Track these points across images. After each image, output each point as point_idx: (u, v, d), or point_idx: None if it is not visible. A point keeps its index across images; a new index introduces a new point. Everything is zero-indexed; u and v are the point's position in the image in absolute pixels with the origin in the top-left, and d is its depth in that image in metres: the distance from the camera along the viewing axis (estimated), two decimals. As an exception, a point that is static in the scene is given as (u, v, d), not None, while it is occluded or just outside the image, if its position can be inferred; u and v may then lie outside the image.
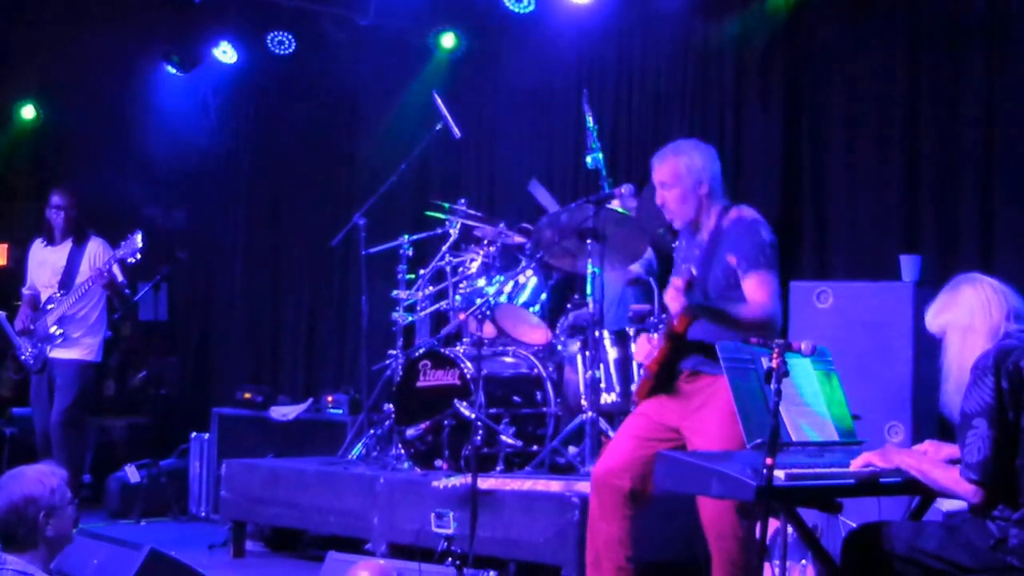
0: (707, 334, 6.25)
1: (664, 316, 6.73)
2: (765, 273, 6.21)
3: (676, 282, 6.16)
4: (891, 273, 8.08)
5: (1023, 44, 8.56)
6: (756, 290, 6.20)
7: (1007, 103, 8.58)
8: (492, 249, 9.10)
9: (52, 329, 9.62)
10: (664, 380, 6.42)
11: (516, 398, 8.72)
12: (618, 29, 10.65)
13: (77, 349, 9.69)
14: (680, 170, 6.37)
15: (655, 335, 6.59)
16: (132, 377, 13.58)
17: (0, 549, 4.88)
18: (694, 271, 6.18)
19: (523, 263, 8.88)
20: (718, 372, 6.10)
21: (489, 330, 8.87)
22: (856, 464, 5.25)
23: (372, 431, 9.46)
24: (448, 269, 9.24)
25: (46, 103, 13.55)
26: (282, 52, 12.18)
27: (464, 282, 9.07)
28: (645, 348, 6.52)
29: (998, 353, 5.01)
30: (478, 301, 8.60)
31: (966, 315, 5.21)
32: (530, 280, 8.83)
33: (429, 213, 9.72)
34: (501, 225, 9.24)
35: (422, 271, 9.48)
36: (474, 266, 9.11)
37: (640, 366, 6.93)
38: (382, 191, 9.96)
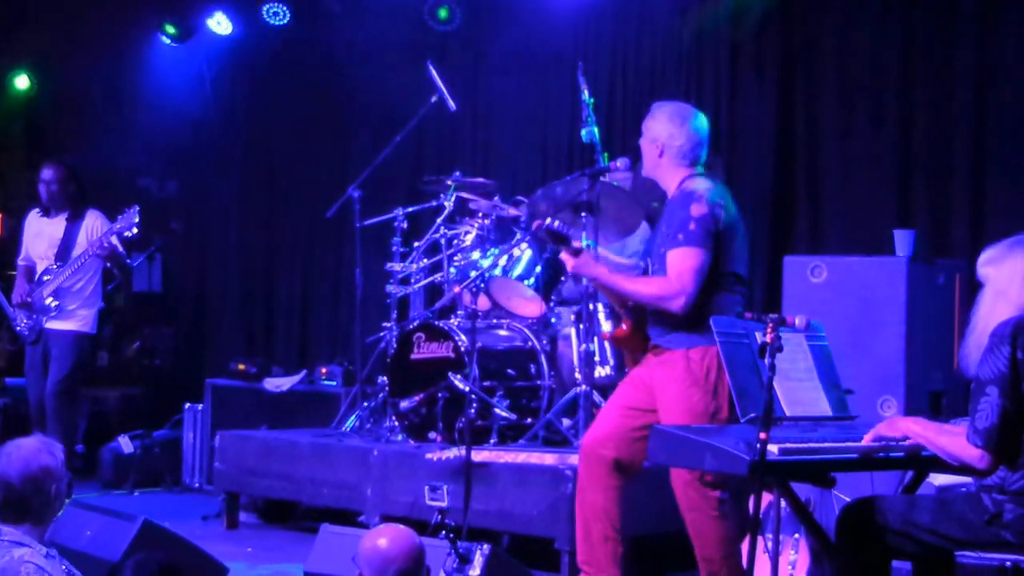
0: None
1: None
2: (681, 249, 6.29)
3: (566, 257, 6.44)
4: (885, 248, 8.09)
5: (1014, 22, 8.56)
6: (668, 266, 6.31)
7: (999, 79, 8.59)
8: (487, 222, 9.10)
9: (48, 301, 9.62)
10: (638, 347, 6.49)
11: (510, 371, 8.73)
12: (614, 1, 10.63)
13: (73, 320, 9.69)
14: (648, 125, 6.58)
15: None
16: (126, 348, 13.58)
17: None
18: (555, 224, 6.61)
19: (518, 236, 8.87)
20: (670, 345, 6.23)
21: (483, 303, 8.87)
22: (867, 440, 5.25)
23: (366, 403, 9.47)
24: (443, 242, 9.23)
25: (40, 73, 13.52)
26: (277, 23, 12.15)
27: (459, 255, 9.06)
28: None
29: (1017, 323, 4.97)
30: (472, 274, 8.61)
31: (1005, 279, 5.14)
32: (525, 253, 8.82)
33: (424, 186, 9.73)
34: (496, 198, 9.24)
35: (417, 243, 9.47)
36: (469, 239, 9.11)
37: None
38: (377, 163, 9.94)
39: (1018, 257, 5.17)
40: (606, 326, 8.41)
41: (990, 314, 5.11)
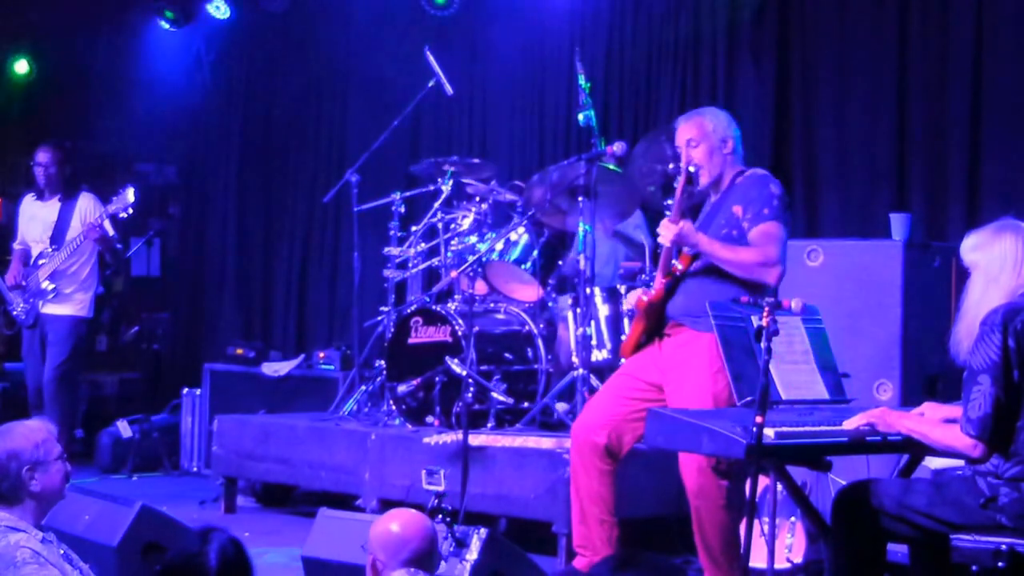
0: (701, 282, 6.35)
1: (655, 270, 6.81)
2: (771, 224, 6.36)
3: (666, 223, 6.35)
4: (881, 231, 8.09)
5: (1011, 5, 8.55)
6: (760, 239, 6.33)
7: (995, 61, 8.58)
8: (484, 206, 9.09)
9: (44, 285, 9.62)
10: (654, 324, 6.49)
11: (507, 355, 8.73)
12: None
13: (69, 305, 9.69)
14: (707, 127, 6.55)
15: (650, 289, 6.66)
16: (124, 333, 13.57)
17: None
18: (692, 168, 6.42)
19: (515, 220, 8.87)
20: (699, 328, 6.19)
21: (481, 287, 8.87)
22: (851, 424, 5.25)
23: (364, 387, 9.48)
24: (440, 226, 9.23)
25: (39, 57, 13.51)
26: (275, 8, 12.13)
27: (456, 239, 9.06)
28: (635, 300, 6.63)
29: (1007, 311, 4.97)
30: (470, 258, 8.60)
31: (996, 265, 5.14)
32: (522, 237, 8.82)
33: (421, 170, 9.73)
34: (493, 182, 9.23)
35: (414, 228, 9.47)
36: (466, 223, 9.10)
37: (631, 316, 7.00)
38: (374, 148, 9.95)
39: (1007, 241, 5.17)
40: (604, 310, 8.40)
41: (981, 301, 5.10)
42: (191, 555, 4.06)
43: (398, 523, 4.73)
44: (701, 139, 6.53)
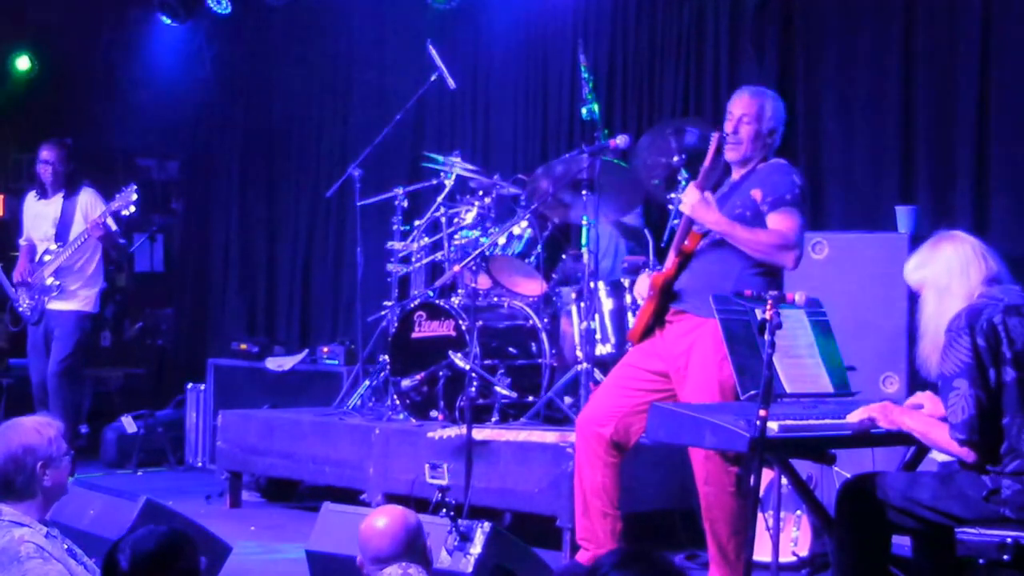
0: (708, 264, 6.35)
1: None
2: (790, 209, 6.35)
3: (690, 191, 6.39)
4: (887, 224, 8.08)
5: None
6: (779, 223, 6.34)
7: (1002, 52, 8.56)
8: (487, 200, 9.09)
9: (49, 281, 9.63)
10: (661, 305, 6.48)
11: (511, 349, 8.72)
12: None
13: (74, 300, 9.71)
14: (765, 111, 6.56)
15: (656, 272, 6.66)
16: (128, 328, 13.59)
17: (-3, 499, 4.90)
18: (726, 135, 6.47)
19: (518, 214, 8.87)
20: (702, 314, 6.17)
21: (484, 281, 8.87)
22: (854, 418, 5.24)
23: (367, 382, 9.47)
24: (443, 220, 9.22)
25: (41, 53, 13.51)
26: (276, 1, 12.12)
27: (459, 233, 9.05)
28: (645, 285, 6.62)
29: (970, 313, 4.99)
30: (473, 252, 8.59)
31: (944, 275, 5.18)
32: (525, 231, 8.81)
33: (424, 164, 9.72)
34: (496, 176, 9.23)
35: (417, 222, 9.46)
36: (469, 217, 9.09)
37: (636, 310, 6.98)
38: (377, 142, 9.94)
39: (947, 250, 5.24)
40: (608, 303, 8.40)
41: (937, 313, 5.16)
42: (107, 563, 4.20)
43: (371, 521, 4.78)
44: (755, 119, 6.52)
